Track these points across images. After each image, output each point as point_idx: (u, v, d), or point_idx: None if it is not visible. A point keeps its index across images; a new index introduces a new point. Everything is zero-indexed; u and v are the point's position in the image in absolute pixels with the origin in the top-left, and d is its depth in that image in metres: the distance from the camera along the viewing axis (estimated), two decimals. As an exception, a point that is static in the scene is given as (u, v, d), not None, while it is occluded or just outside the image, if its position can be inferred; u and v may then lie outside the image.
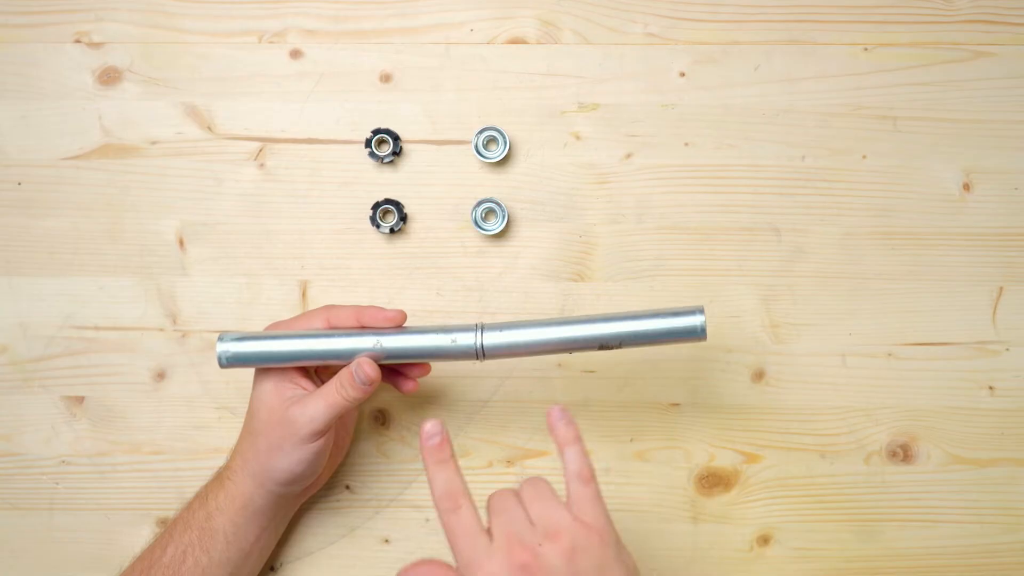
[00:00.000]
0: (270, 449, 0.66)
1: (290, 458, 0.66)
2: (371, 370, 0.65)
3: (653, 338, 0.65)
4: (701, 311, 0.64)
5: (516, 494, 0.57)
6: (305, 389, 0.67)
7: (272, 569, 0.75)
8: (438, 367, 0.75)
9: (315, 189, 0.78)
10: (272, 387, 0.67)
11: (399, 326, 0.67)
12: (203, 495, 0.69)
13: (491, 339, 0.66)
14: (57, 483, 0.76)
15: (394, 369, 0.70)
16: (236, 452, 0.69)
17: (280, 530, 0.73)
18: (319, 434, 0.66)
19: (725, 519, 0.75)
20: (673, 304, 0.69)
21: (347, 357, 0.66)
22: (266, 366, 0.67)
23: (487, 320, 0.73)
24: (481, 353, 0.66)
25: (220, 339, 0.67)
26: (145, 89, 0.78)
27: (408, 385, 0.70)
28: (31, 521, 0.76)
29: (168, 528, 0.69)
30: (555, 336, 0.65)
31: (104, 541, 0.76)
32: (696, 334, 0.64)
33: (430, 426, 0.57)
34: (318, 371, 0.71)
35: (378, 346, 0.66)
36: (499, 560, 0.53)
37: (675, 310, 0.65)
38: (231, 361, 0.67)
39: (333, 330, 0.67)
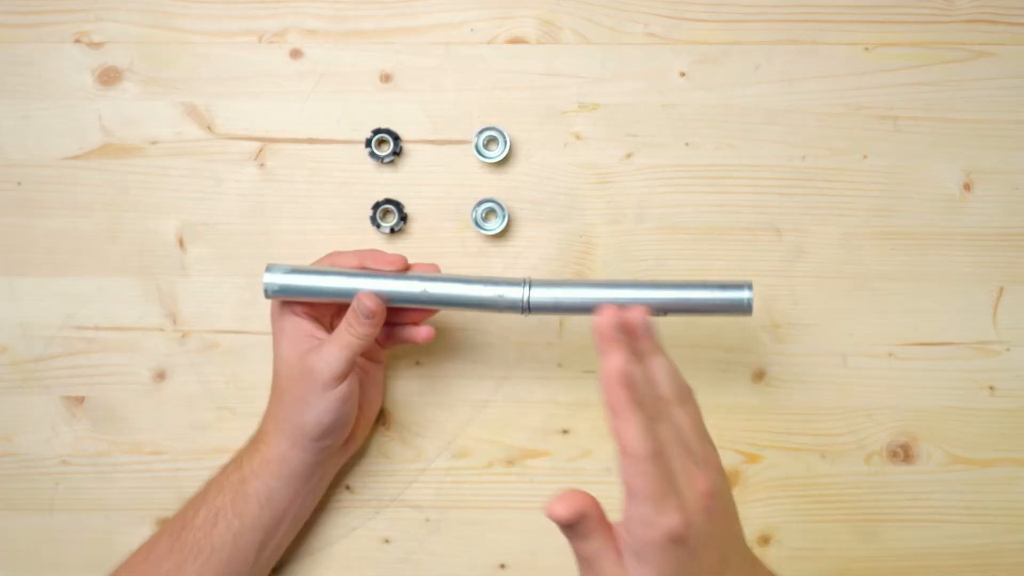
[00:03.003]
0: (296, 403, 0.67)
1: (317, 408, 0.66)
2: (371, 302, 0.66)
3: (700, 308, 0.65)
4: (750, 286, 0.65)
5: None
6: (320, 340, 0.68)
7: (272, 569, 0.75)
8: (438, 362, 0.75)
9: (315, 189, 0.78)
10: (288, 344, 0.68)
11: (400, 269, 0.68)
12: (238, 460, 0.69)
13: (539, 295, 0.66)
14: (57, 483, 0.76)
15: (398, 322, 0.70)
16: (267, 415, 0.69)
17: (317, 497, 0.72)
18: (340, 378, 0.66)
19: (725, 519, 0.75)
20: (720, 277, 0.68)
21: (392, 299, 0.67)
22: (308, 300, 0.68)
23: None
24: (527, 308, 0.66)
25: (269, 269, 0.67)
26: (145, 89, 0.78)
27: (423, 332, 0.70)
28: (31, 521, 0.76)
29: (201, 491, 0.69)
30: (603, 297, 0.65)
31: (104, 541, 0.76)
32: (742, 309, 0.65)
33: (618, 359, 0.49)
34: (333, 323, 0.71)
35: (424, 293, 0.66)
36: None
37: (724, 283, 0.65)
38: (276, 293, 0.67)
39: (380, 271, 0.67)
